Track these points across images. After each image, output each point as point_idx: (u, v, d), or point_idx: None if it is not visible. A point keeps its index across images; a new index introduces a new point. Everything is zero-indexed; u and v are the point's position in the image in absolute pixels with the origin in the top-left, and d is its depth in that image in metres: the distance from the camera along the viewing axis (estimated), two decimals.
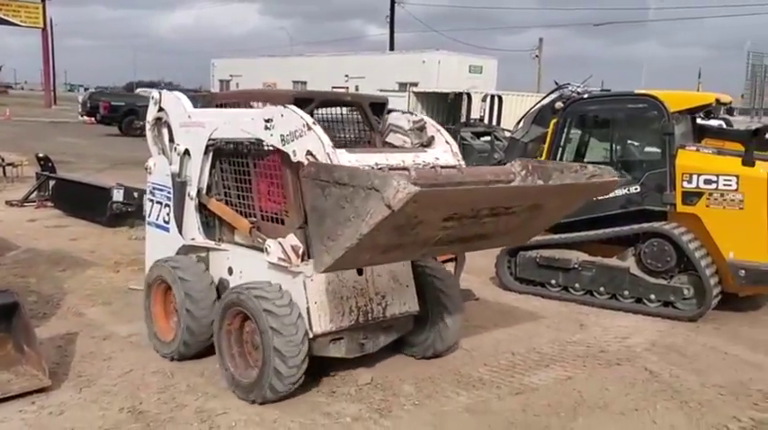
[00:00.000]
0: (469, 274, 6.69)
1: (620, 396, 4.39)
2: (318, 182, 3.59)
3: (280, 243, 4.22)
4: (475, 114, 18.80)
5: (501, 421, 3.99)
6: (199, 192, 4.94)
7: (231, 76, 32.11)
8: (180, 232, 5.07)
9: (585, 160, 6.98)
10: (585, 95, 7.02)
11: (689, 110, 6.75)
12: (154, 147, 5.42)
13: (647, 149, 7.00)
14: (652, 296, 6.16)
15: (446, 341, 4.88)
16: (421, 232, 3.59)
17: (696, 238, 6.07)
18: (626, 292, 6.28)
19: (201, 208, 5.01)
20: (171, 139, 5.14)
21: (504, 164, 5.20)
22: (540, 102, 8.20)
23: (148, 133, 5.44)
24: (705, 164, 6.07)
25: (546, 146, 7.02)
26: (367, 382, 4.44)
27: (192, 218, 5.02)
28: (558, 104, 7.07)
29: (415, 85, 27.09)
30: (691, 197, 6.12)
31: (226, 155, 4.85)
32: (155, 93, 5.40)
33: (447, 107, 22.67)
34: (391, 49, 38.58)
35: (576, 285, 6.56)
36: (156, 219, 5.35)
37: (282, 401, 4.11)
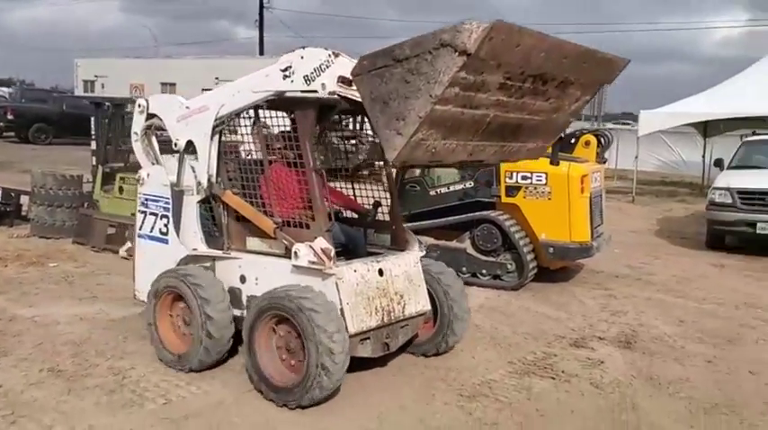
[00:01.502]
0: None
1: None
2: (375, 71, 3.54)
3: (310, 246, 4.31)
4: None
5: (359, 362, 5.11)
6: (209, 181, 4.81)
7: (96, 76, 31.20)
8: (182, 242, 5.02)
9: None
10: None
11: None
12: (145, 158, 5.32)
13: None
14: (484, 271, 7.56)
15: (456, 337, 5.17)
16: (477, 103, 3.67)
17: (516, 223, 7.52)
18: (464, 269, 7.63)
19: (212, 203, 4.91)
20: (167, 142, 5.11)
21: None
22: None
23: (138, 145, 5.33)
24: (522, 163, 7.53)
25: None
26: None
27: (193, 227, 4.98)
28: None
29: None
30: (512, 190, 7.58)
31: (243, 167, 4.84)
32: (141, 101, 5.29)
33: None
34: (261, 53, 39.01)
35: None
36: (151, 231, 5.24)
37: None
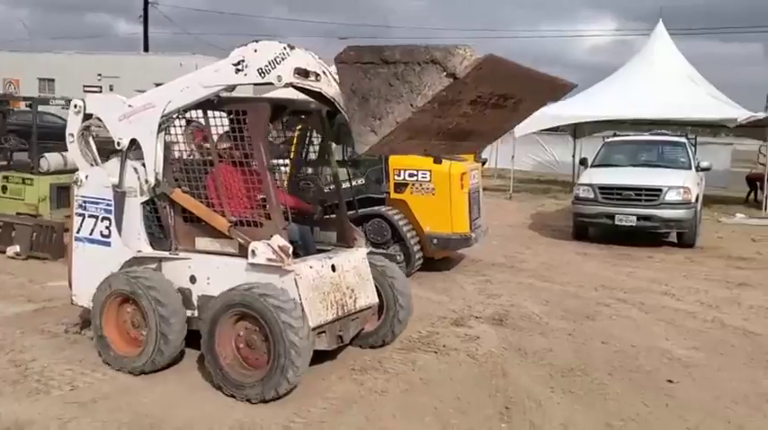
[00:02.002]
0: None
1: None
2: (360, 65, 3.57)
3: (268, 244, 4.41)
4: None
5: None
6: (156, 179, 4.77)
7: None
8: (126, 244, 4.95)
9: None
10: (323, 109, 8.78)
11: None
12: (83, 160, 5.19)
13: None
14: None
15: (396, 332, 5.44)
16: (447, 114, 3.83)
17: (404, 218, 8.10)
18: None
19: (157, 203, 4.88)
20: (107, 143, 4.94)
21: None
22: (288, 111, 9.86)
23: (74, 146, 5.19)
24: (409, 162, 8.14)
25: (294, 147, 8.66)
26: None
27: (136, 229, 4.94)
28: (303, 115, 8.73)
29: None
30: (400, 187, 8.16)
31: (187, 167, 4.86)
32: (77, 101, 5.20)
33: None
34: (146, 49, 37.92)
35: None
36: (91, 234, 5.11)
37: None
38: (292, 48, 4.24)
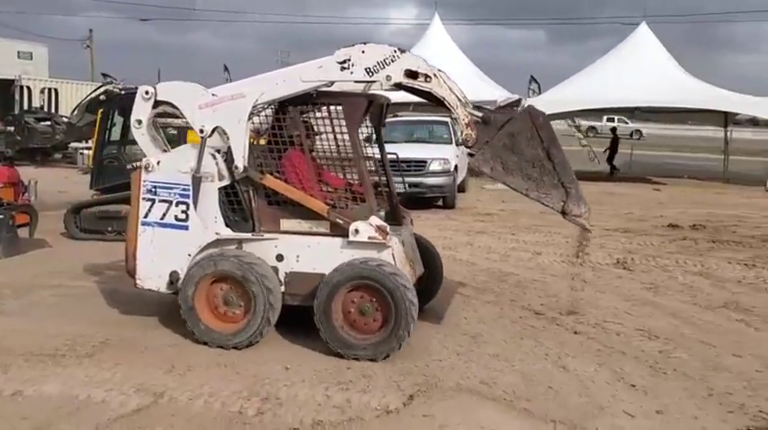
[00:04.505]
0: (43, 232, 8.99)
1: None
2: (535, 129, 4.01)
3: (369, 224, 4.77)
4: (36, 103, 21.22)
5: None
6: (244, 165, 4.87)
7: None
8: (206, 227, 4.99)
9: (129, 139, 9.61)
10: (123, 92, 9.67)
11: None
12: (152, 146, 5.16)
13: None
14: None
15: (430, 298, 5.92)
16: None
17: None
18: None
19: (237, 188, 5.00)
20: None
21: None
22: (89, 94, 10.59)
23: (142, 132, 5.15)
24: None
25: (97, 129, 9.51)
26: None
27: (213, 213, 5.00)
28: (103, 97, 9.59)
29: None
30: None
31: (261, 153, 5.06)
32: (147, 88, 5.15)
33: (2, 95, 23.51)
34: None
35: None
36: (162, 219, 5.06)
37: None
38: (403, 51, 4.61)
